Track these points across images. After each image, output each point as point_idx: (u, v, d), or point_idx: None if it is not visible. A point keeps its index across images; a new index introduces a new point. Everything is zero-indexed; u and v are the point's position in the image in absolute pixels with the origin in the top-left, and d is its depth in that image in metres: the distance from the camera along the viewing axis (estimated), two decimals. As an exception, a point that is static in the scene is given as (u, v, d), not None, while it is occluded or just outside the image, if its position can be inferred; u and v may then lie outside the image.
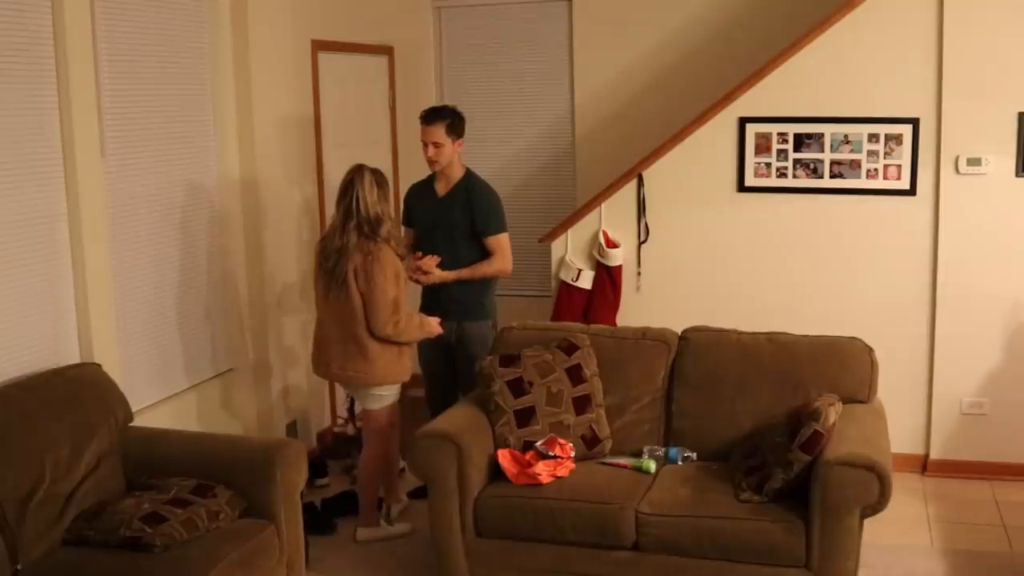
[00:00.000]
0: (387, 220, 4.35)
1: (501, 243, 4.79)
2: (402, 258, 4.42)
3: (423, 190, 4.94)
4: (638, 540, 3.78)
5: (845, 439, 3.73)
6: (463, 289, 4.79)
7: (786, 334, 4.34)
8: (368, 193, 4.30)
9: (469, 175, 4.84)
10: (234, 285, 5.15)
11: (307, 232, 5.68)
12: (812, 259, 5.32)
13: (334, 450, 5.65)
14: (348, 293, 4.31)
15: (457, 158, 4.78)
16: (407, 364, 4.55)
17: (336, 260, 4.31)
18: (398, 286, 4.33)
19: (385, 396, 4.53)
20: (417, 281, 4.76)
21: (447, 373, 4.93)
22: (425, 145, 4.72)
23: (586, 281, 5.52)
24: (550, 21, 6.43)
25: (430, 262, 4.71)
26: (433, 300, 4.86)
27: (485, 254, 4.79)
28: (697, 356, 4.34)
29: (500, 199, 4.85)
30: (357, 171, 4.36)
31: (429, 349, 4.90)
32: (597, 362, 4.33)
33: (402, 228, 4.99)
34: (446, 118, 4.69)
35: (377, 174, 4.39)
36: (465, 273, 4.76)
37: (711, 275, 5.45)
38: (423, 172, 4.96)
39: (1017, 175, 5.00)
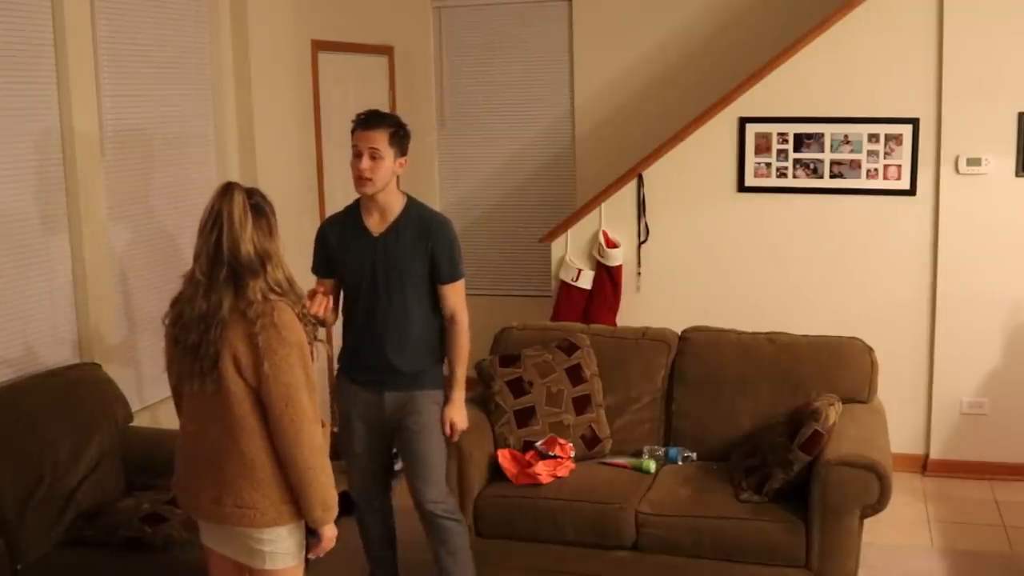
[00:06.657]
0: (278, 264, 2.90)
1: (461, 290, 3.71)
2: (305, 323, 2.85)
3: (346, 226, 3.72)
4: (638, 540, 3.78)
5: (845, 439, 3.73)
6: (413, 352, 3.67)
7: (786, 334, 4.34)
8: (240, 227, 2.79)
9: (415, 205, 3.69)
10: (234, 285, 5.15)
11: (307, 232, 5.65)
12: (812, 259, 5.32)
13: (334, 450, 5.64)
14: (223, 387, 2.74)
15: (395, 182, 3.65)
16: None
17: (202, 334, 2.75)
18: (307, 370, 2.79)
19: (286, 546, 2.93)
20: (322, 323, 3.39)
21: (379, 453, 3.83)
22: (358, 155, 3.53)
23: (586, 281, 5.52)
24: (550, 21, 6.43)
25: (324, 291, 3.60)
26: (360, 367, 3.72)
27: (437, 302, 3.69)
28: (697, 356, 4.34)
29: None
30: (225, 192, 2.80)
31: (356, 424, 3.76)
32: (597, 362, 4.33)
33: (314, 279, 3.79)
34: (389, 125, 3.56)
35: (254, 196, 2.87)
36: (462, 373, 3.73)
37: (711, 275, 5.45)
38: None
39: (1017, 175, 5.00)
